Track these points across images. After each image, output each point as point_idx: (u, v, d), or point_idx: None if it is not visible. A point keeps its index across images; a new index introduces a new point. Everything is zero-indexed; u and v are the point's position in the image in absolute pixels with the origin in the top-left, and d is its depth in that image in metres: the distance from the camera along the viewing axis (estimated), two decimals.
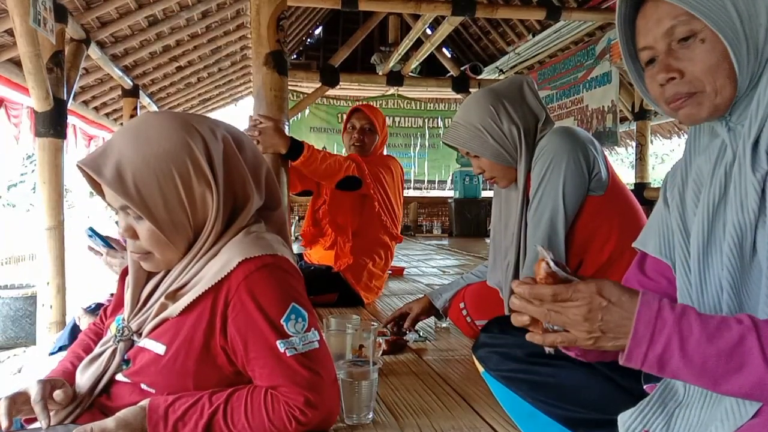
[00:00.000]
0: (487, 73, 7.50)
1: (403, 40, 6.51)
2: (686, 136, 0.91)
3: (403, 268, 4.06)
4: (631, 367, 0.71)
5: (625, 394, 0.96)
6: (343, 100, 8.95)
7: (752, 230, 0.74)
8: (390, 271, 3.61)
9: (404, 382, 1.58)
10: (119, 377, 1.00)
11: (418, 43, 6.35)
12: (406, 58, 7.06)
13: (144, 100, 5.98)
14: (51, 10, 2.97)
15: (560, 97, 6.18)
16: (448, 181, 9.48)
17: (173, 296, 0.97)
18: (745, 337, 0.65)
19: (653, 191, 5.41)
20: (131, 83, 5.47)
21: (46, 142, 3.15)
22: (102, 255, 1.50)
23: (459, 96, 8.16)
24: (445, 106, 9.44)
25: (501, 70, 7.29)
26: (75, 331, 1.71)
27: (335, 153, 2.75)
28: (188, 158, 0.94)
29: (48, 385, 0.95)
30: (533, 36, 6.18)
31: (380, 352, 1.79)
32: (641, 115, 5.97)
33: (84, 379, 1.01)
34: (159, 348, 0.96)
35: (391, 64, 7.18)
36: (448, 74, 8.08)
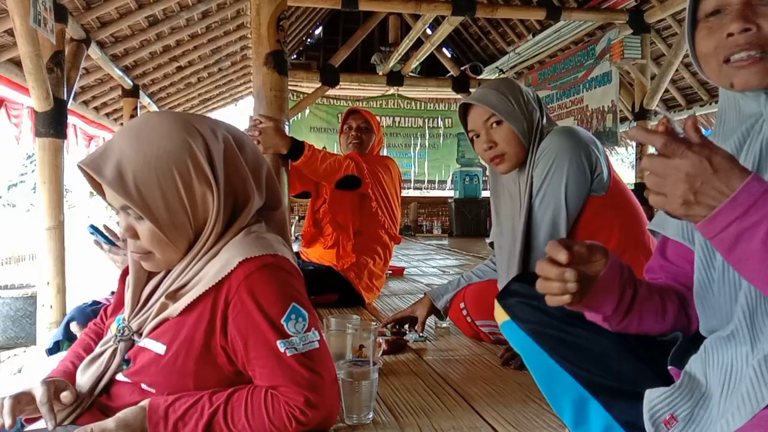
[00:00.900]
0: (488, 73, 7.50)
1: (403, 40, 6.52)
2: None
3: (403, 268, 4.06)
4: (702, 234, 0.68)
5: (651, 372, 0.93)
6: (343, 100, 8.95)
7: None
8: (390, 272, 3.61)
9: (404, 382, 1.58)
10: (119, 377, 1.00)
11: (418, 43, 6.35)
12: (406, 58, 7.07)
13: (144, 100, 5.98)
14: (51, 10, 2.97)
15: (560, 97, 6.18)
16: (448, 181, 9.48)
17: (173, 296, 0.97)
18: None
19: None
20: (131, 83, 5.48)
21: (46, 142, 3.16)
22: (104, 248, 1.50)
23: (459, 96, 8.16)
24: (445, 106, 9.44)
25: (501, 70, 7.29)
26: (69, 326, 1.71)
27: (335, 153, 2.76)
28: (189, 158, 0.94)
29: (53, 386, 0.95)
30: (533, 36, 6.18)
31: (380, 352, 1.79)
32: (641, 115, 5.97)
33: (84, 379, 1.01)
34: (159, 348, 0.96)
35: (391, 64, 7.19)
36: (448, 74, 8.09)
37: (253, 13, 2.37)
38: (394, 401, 1.44)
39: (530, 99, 1.71)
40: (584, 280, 0.79)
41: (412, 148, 9.48)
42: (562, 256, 0.74)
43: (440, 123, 9.47)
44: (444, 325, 2.21)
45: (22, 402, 0.93)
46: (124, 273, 1.09)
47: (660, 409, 0.82)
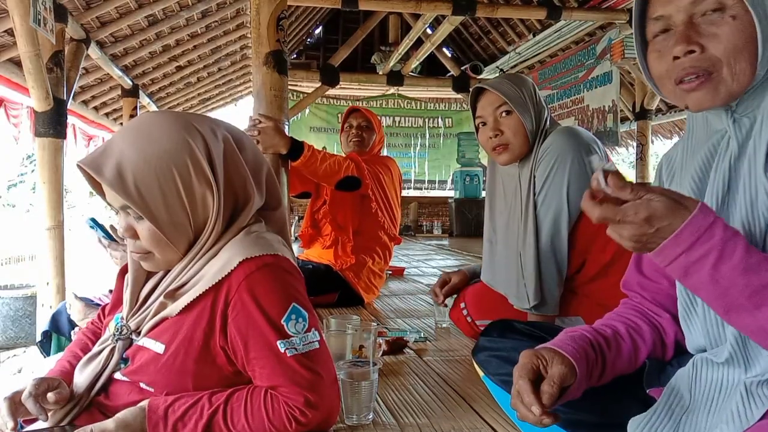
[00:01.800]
0: (488, 73, 7.50)
1: (403, 39, 6.52)
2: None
3: (403, 269, 4.06)
4: (659, 262, 0.69)
5: (628, 398, 0.95)
6: (344, 100, 8.94)
7: (762, 233, 0.72)
8: (390, 272, 3.61)
9: (404, 383, 1.58)
10: (118, 376, 1.00)
11: (418, 43, 6.35)
12: (406, 57, 7.07)
13: (144, 99, 5.98)
14: (51, 10, 2.97)
15: (561, 97, 6.18)
16: (449, 181, 9.48)
17: (173, 295, 0.97)
18: None
19: None
20: (131, 83, 5.47)
21: (46, 142, 3.15)
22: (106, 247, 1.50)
23: (459, 96, 8.16)
24: (445, 106, 9.43)
25: (501, 70, 7.28)
26: (56, 318, 1.71)
27: (335, 153, 2.76)
28: (189, 158, 0.94)
29: (43, 383, 0.95)
30: (534, 35, 6.18)
31: (380, 353, 1.79)
32: (642, 114, 5.97)
33: (82, 377, 1.01)
34: (158, 347, 0.96)
35: (392, 64, 7.18)
36: (449, 74, 8.08)
37: (253, 13, 2.37)
38: (393, 401, 1.43)
39: (540, 98, 1.74)
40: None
41: (412, 148, 9.47)
42: (536, 410, 0.77)
43: (440, 123, 9.46)
44: (444, 325, 2.21)
45: (17, 401, 0.93)
46: (123, 271, 1.09)
47: None
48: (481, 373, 1.16)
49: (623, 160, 16.48)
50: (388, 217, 2.84)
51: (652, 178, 6.33)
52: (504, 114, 1.69)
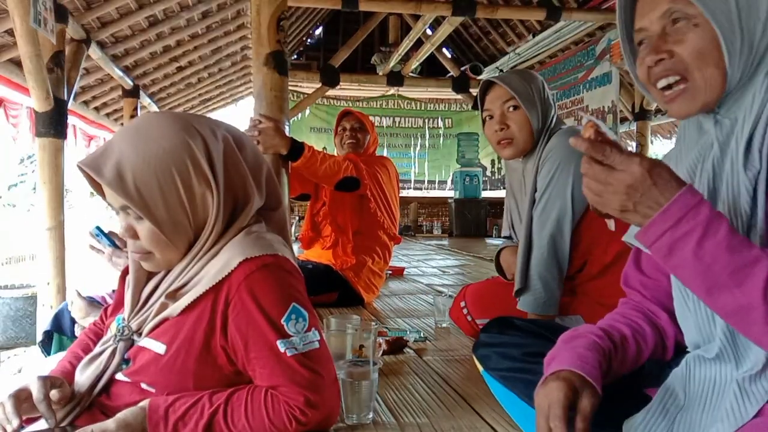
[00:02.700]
0: (488, 74, 7.50)
1: (403, 40, 6.52)
2: None
3: (403, 268, 4.06)
4: (642, 244, 0.72)
5: (626, 397, 0.96)
6: (344, 101, 8.95)
7: (744, 229, 0.73)
8: (390, 272, 3.61)
9: (404, 382, 1.58)
10: (119, 376, 1.00)
11: (418, 44, 6.35)
12: (406, 58, 7.07)
13: (144, 100, 5.98)
14: (51, 10, 2.97)
15: (560, 98, 6.18)
16: (448, 181, 9.48)
17: (173, 296, 0.97)
18: (758, 262, 0.66)
19: None
20: (132, 83, 5.48)
21: (46, 142, 3.16)
22: (104, 254, 1.50)
23: (459, 96, 8.16)
24: (445, 107, 9.44)
25: (501, 71, 7.28)
26: (59, 317, 1.71)
27: (335, 154, 2.77)
28: (188, 158, 0.94)
29: (48, 382, 0.95)
30: (533, 36, 6.18)
31: (380, 352, 1.79)
32: (641, 115, 5.98)
33: (83, 378, 1.01)
34: (159, 347, 0.96)
35: (392, 65, 7.19)
36: (449, 74, 8.09)
37: (253, 14, 2.37)
38: (393, 401, 1.44)
39: (548, 95, 1.75)
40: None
41: (412, 149, 9.48)
42: None
43: (440, 123, 9.47)
44: (444, 324, 2.21)
45: (22, 399, 0.93)
46: (125, 273, 1.10)
47: None
48: (481, 369, 1.17)
49: None
50: (388, 217, 2.85)
51: None
52: (511, 108, 1.71)
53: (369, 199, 2.76)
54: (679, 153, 0.88)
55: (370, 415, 1.29)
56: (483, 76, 7.50)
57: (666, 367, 0.92)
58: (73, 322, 1.66)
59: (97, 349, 1.04)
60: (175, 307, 0.96)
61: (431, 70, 8.47)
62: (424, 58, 6.86)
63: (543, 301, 1.64)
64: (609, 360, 0.87)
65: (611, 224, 1.63)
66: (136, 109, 5.67)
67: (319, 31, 8.97)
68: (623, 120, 6.44)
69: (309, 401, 0.91)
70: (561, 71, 6.17)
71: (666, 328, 0.93)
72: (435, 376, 1.64)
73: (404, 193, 9.06)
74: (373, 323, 2.06)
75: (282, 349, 0.92)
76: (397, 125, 9.36)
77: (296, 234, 5.41)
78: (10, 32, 3.19)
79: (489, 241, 6.99)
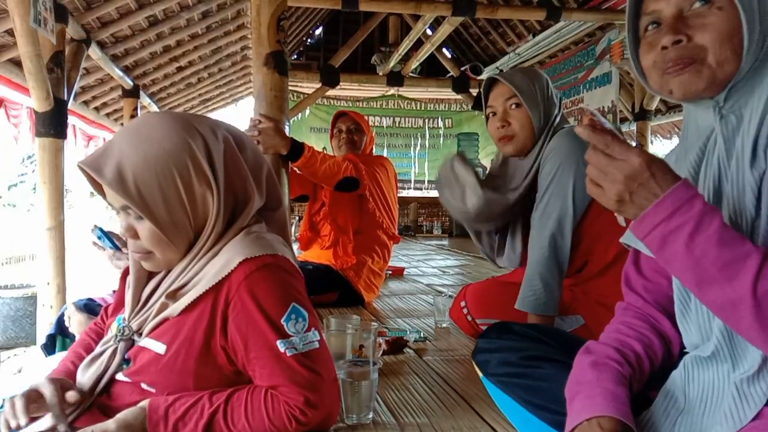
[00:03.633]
0: (487, 74, 7.50)
1: (403, 40, 6.51)
2: None
3: (403, 268, 4.06)
4: (636, 236, 0.73)
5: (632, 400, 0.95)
6: (344, 101, 8.94)
7: (748, 229, 0.73)
8: (390, 272, 3.61)
9: (404, 382, 1.58)
10: (120, 377, 1.00)
11: (418, 44, 6.35)
12: (406, 58, 7.06)
13: (144, 100, 5.98)
14: (51, 10, 2.97)
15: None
16: None
17: (174, 296, 0.98)
18: (749, 257, 0.66)
19: None
20: (132, 83, 5.47)
21: (46, 142, 3.15)
22: (105, 251, 1.50)
23: (459, 96, 8.16)
24: (445, 107, 9.43)
25: (501, 71, 7.29)
26: (62, 320, 1.71)
27: (334, 155, 2.77)
28: (189, 158, 0.94)
29: (59, 385, 0.95)
30: (533, 36, 6.18)
31: (380, 352, 1.79)
32: (641, 115, 5.97)
33: (85, 378, 1.01)
34: (159, 347, 0.96)
35: (392, 65, 7.18)
36: (449, 74, 8.08)
37: (254, 14, 2.37)
38: (393, 401, 1.44)
39: (552, 94, 1.76)
40: None
41: (412, 149, 9.47)
42: None
43: (440, 123, 9.46)
44: (444, 324, 2.21)
45: (33, 400, 0.93)
46: (125, 273, 1.10)
47: None
48: (480, 374, 1.17)
49: None
50: (387, 216, 2.85)
51: None
52: (513, 106, 1.73)
53: (368, 198, 2.77)
54: (680, 153, 0.88)
55: (370, 415, 1.29)
56: (483, 76, 7.50)
57: (666, 369, 0.92)
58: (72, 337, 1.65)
59: (98, 349, 1.04)
60: (175, 307, 0.96)
61: (431, 70, 8.46)
62: (424, 58, 6.85)
63: (543, 301, 1.64)
64: (631, 387, 0.86)
65: (621, 219, 1.64)
66: (136, 109, 5.66)
67: (319, 31, 8.97)
68: (623, 120, 6.43)
69: (309, 401, 0.91)
70: (561, 71, 6.17)
71: (670, 335, 0.93)
72: (435, 376, 1.64)
73: (404, 193, 9.05)
74: (373, 323, 2.06)
75: (282, 349, 0.92)
76: (397, 125, 9.36)
77: (296, 234, 5.41)
78: (10, 32, 3.19)
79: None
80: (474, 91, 7.64)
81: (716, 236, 0.67)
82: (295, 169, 2.54)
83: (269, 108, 2.36)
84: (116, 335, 1.01)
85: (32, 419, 0.99)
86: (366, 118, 3.06)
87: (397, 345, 1.89)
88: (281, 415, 0.91)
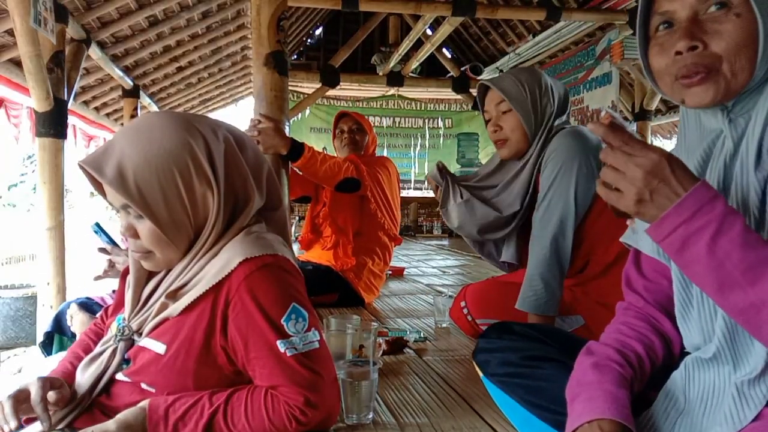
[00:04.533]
0: (488, 74, 7.49)
1: (403, 40, 6.51)
2: None
3: (403, 269, 4.06)
4: (652, 239, 0.69)
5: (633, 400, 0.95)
6: (344, 101, 8.94)
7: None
8: (390, 272, 3.61)
9: (404, 382, 1.58)
10: (119, 376, 1.00)
11: (418, 44, 6.35)
12: (406, 58, 7.06)
13: (144, 100, 5.98)
14: (51, 10, 2.97)
15: None
16: None
17: (174, 296, 0.98)
18: None
19: None
20: (132, 83, 5.47)
21: (46, 142, 3.15)
22: (108, 253, 1.50)
23: (459, 96, 8.16)
24: (445, 107, 9.43)
25: (501, 71, 7.29)
26: (59, 318, 1.71)
27: (335, 155, 2.77)
28: (189, 158, 0.94)
29: (48, 383, 0.95)
30: (533, 36, 6.18)
31: (380, 352, 1.79)
32: (641, 115, 5.97)
33: (84, 378, 1.01)
34: (159, 347, 0.96)
35: (392, 65, 7.18)
36: (449, 75, 8.08)
37: (254, 14, 2.37)
38: (393, 401, 1.44)
39: (549, 92, 1.74)
40: None
41: (412, 149, 9.47)
42: None
43: (440, 123, 9.46)
44: (444, 325, 2.21)
45: (21, 400, 0.93)
46: (125, 273, 1.10)
47: None
48: (480, 374, 1.17)
49: None
50: (388, 218, 2.84)
51: None
52: (503, 111, 1.75)
53: (369, 200, 2.76)
54: (681, 153, 0.87)
55: (370, 415, 1.29)
56: (483, 76, 7.50)
57: (667, 369, 0.92)
58: (73, 334, 1.65)
59: (98, 349, 1.04)
60: (175, 307, 0.96)
61: (431, 70, 8.46)
62: (424, 58, 6.85)
63: (544, 301, 1.64)
64: (632, 388, 0.86)
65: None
66: (136, 109, 5.66)
67: (319, 31, 8.97)
68: (623, 120, 6.43)
69: (309, 401, 0.91)
70: (561, 71, 6.17)
71: (670, 335, 0.93)
72: (435, 376, 1.64)
73: (404, 193, 9.05)
74: (373, 323, 2.06)
75: (282, 349, 0.92)
76: (397, 125, 9.35)
77: (296, 234, 5.40)
78: (10, 32, 3.18)
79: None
80: (474, 91, 7.63)
81: (739, 238, 0.65)
82: (295, 169, 2.54)
83: (269, 108, 2.35)
84: (116, 335, 1.01)
85: (30, 420, 0.99)
86: (366, 118, 3.06)
87: (397, 345, 1.89)
88: (281, 415, 0.91)
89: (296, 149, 2.39)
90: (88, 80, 5.10)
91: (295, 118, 8.07)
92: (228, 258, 0.96)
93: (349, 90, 8.51)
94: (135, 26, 4.58)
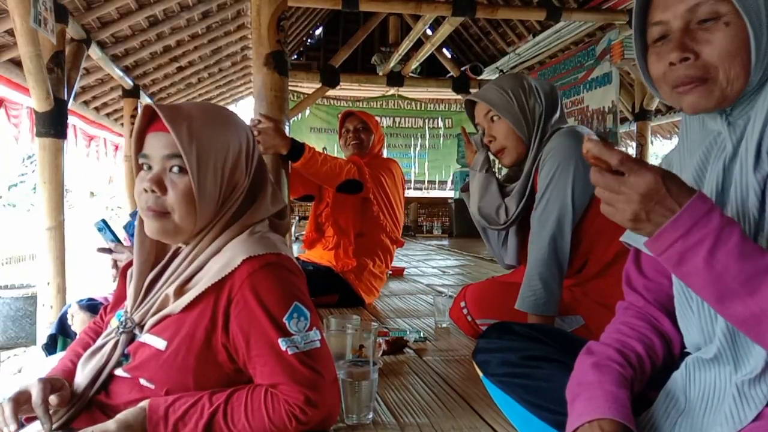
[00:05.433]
0: (488, 74, 7.50)
1: (403, 40, 6.52)
2: None
3: (403, 269, 4.06)
4: (650, 252, 0.70)
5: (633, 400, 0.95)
6: (344, 101, 8.95)
7: (751, 232, 0.72)
8: (390, 272, 3.61)
9: (404, 382, 1.58)
10: (119, 372, 1.00)
11: (418, 44, 6.35)
12: (406, 58, 7.07)
13: (144, 100, 5.98)
14: (51, 10, 2.97)
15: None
16: (449, 182, 9.48)
17: (180, 293, 0.98)
18: None
19: None
20: (132, 83, 5.48)
21: (46, 142, 3.15)
22: (111, 253, 1.50)
23: (459, 96, 8.16)
24: (445, 107, 9.44)
25: (501, 71, 7.28)
26: (63, 320, 1.71)
27: (336, 155, 2.76)
28: (241, 147, 1.01)
29: (49, 385, 0.95)
30: (533, 36, 6.18)
31: (380, 352, 1.79)
32: (641, 115, 5.97)
33: (84, 373, 1.01)
34: (160, 343, 0.96)
35: (392, 65, 7.19)
36: (449, 75, 8.09)
37: (254, 14, 2.37)
38: (393, 401, 1.44)
39: (534, 93, 1.75)
40: None
41: (412, 149, 9.47)
42: None
43: (440, 123, 9.46)
44: (444, 325, 2.21)
45: (21, 402, 0.93)
46: (125, 268, 1.10)
47: None
48: (480, 374, 1.17)
49: None
50: (391, 220, 2.84)
51: None
52: (493, 120, 1.76)
53: (372, 202, 2.75)
54: (681, 154, 0.87)
55: (370, 415, 1.29)
56: (483, 77, 7.50)
57: (667, 369, 0.92)
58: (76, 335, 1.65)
59: (99, 341, 1.04)
60: (177, 304, 0.97)
61: (431, 70, 8.47)
62: (424, 58, 6.86)
63: (543, 302, 1.64)
64: (632, 388, 0.86)
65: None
66: (136, 109, 5.66)
67: (319, 31, 8.97)
68: (623, 120, 6.43)
69: (309, 400, 0.91)
70: (561, 71, 6.17)
71: (671, 335, 0.93)
72: (435, 376, 1.64)
73: (405, 194, 9.05)
74: (374, 323, 2.06)
75: (283, 348, 0.92)
76: (397, 125, 9.36)
77: (296, 234, 5.41)
78: (10, 32, 3.18)
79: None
80: (474, 91, 7.64)
81: (737, 250, 0.65)
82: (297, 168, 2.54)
83: (269, 108, 2.35)
84: (118, 327, 1.02)
85: (30, 419, 0.99)
86: (373, 116, 3.04)
87: (397, 345, 1.89)
88: (281, 414, 0.91)
89: (296, 149, 2.39)
90: (88, 80, 5.10)
91: (295, 118, 8.07)
92: (231, 256, 0.96)
93: (349, 90, 8.51)
94: (135, 26, 4.58)
